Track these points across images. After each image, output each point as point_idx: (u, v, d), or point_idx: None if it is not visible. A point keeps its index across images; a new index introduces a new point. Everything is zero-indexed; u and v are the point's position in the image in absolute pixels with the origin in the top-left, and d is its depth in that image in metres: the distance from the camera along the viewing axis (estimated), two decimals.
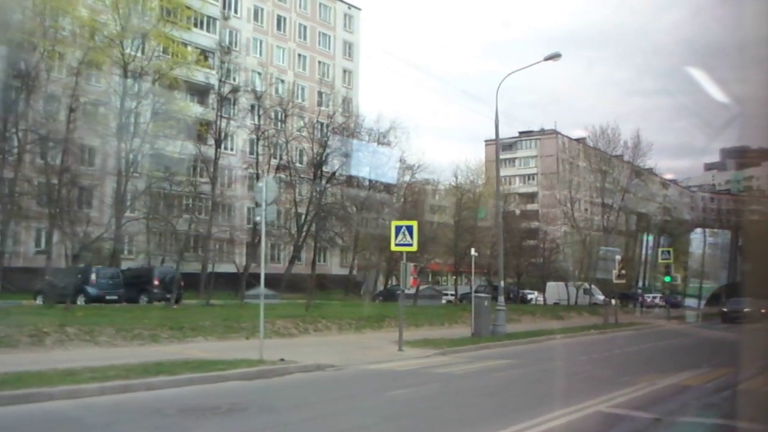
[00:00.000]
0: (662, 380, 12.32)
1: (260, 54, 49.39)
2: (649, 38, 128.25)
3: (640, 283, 70.76)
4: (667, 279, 37.61)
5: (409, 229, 17.82)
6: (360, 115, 45.88)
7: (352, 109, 54.25)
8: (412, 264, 18.00)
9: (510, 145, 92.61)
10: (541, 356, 17.86)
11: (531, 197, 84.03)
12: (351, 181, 45.90)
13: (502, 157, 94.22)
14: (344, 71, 55.70)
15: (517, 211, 50.71)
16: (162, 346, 16.26)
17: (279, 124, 43.90)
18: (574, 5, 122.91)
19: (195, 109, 38.60)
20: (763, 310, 33.80)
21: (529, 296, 54.27)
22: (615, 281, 30.74)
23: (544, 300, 49.98)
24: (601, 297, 51.57)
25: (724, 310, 35.91)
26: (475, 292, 39.36)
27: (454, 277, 63.73)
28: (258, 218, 15.27)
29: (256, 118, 43.63)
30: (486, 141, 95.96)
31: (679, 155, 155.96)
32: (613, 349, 19.74)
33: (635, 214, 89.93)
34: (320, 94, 50.32)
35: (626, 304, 57.41)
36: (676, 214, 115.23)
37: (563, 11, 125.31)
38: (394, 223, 18.46)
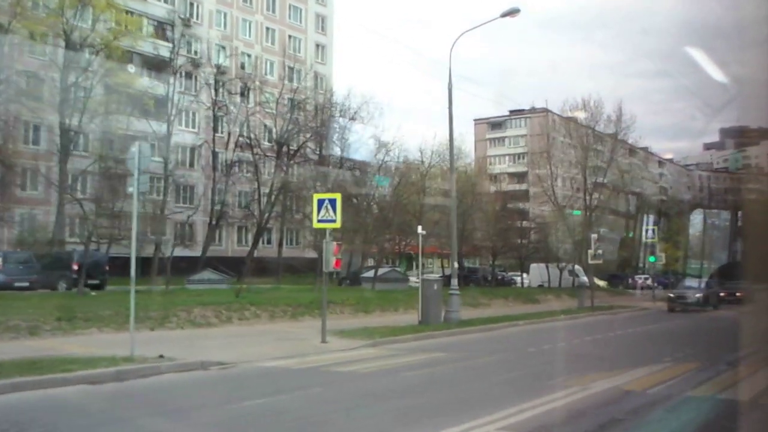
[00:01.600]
0: (603, 381, 10.01)
1: (224, 27, 46.60)
2: (648, 19, 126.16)
3: (641, 265, 68.89)
4: (652, 258, 35.23)
5: (332, 202, 15.48)
6: (331, 91, 43.15)
7: (325, 85, 51.70)
8: (334, 242, 15.60)
9: (499, 124, 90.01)
10: (484, 348, 15.54)
11: (521, 177, 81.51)
12: (324, 160, 43.41)
13: (490, 136, 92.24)
14: (317, 46, 52.95)
15: (493, 189, 48.09)
16: (38, 340, 14.02)
17: (243, 99, 41.51)
18: None
19: (144, 83, 36.01)
20: (740, 294, 31.02)
21: (516, 278, 52.00)
22: (590, 262, 28.35)
23: (522, 282, 47.66)
24: (585, 279, 49.61)
25: (670, 295, 30.43)
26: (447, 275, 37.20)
27: (440, 260, 61.90)
28: (131, 189, 12.87)
29: (216, 93, 41.32)
30: (475, 120, 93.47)
31: (678, 136, 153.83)
32: (573, 338, 17.38)
33: (628, 193, 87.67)
34: (290, 69, 47.68)
35: (617, 285, 55.18)
36: (673, 193, 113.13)
37: None
38: (316, 196, 16.16)
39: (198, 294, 22.95)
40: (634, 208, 44.76)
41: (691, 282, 32.98)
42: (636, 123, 44.25)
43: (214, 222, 38.98)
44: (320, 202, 15.60)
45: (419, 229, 20.55)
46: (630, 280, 60.68)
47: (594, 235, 28.40)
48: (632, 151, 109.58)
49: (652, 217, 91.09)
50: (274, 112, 39.65)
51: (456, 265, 21.14)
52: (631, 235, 79.47)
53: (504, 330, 20.15)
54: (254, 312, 19.60)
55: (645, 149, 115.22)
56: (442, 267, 46.33)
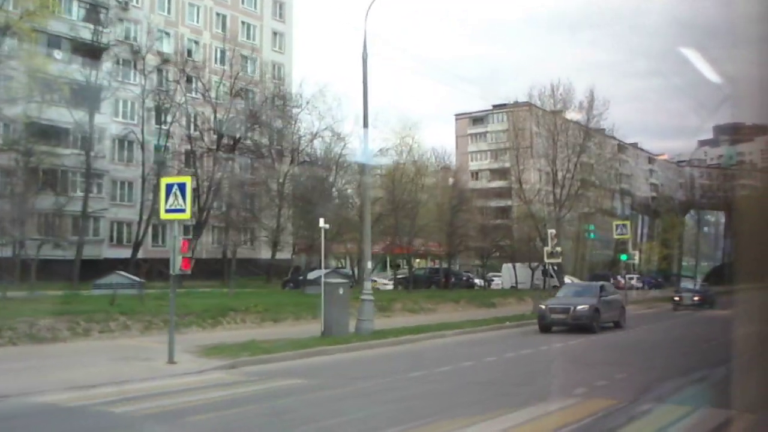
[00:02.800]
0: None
1: (168, 12, 43.34)
2: (640, 18, 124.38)
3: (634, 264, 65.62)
4: (623, 257, 32.06)
5: (182, 188, 12.40)
6: (282, 80, 40.10)
7: (283, 74, 48.67)
8: (181, 237, 12.52)
9: (481, 119, 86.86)
10: (367, 370, 12.47)
11: (503, 173, 78.41)
12: (277, 153, 40.29)
13: (472, 131, 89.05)
14: (274, 33, 49.67)
15: (451, 181, 44.73)
16: None
17: (188, 88, 38.40)
18: None
19: (66, 69, 32.87)
20: (697, 298, 28.38)
21: (477, 280, 48.86)
22: (547, 260, 25.25)
23: (485, 284, 44.58)
24: (564, 279, 46.45)
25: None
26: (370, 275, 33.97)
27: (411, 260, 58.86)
28: None
29: (159, 82, 38.27)
30: (456, 115, 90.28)
31: (674, 135, 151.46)
32: (494, 354, 14.30)
33: (613, 190, 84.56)
34: (243, 58, 44.61)
35: None
36: (664, 190, 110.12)
37: None
38: (163, 181, 13.01)
39: (81, 301, 19.85)
40: (623, 205, 41.12)
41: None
42: (600, 103, 40.65)
43: (144, 219, 35.72)
44: (168, 188, 12.54)
45: (321, 222, 17.38)
46: (613, 280, 57.72)
47: (551, 231, 25.24)
48: (621, 147, 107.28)
49: (639, 215, 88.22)
50: (217, 101, 36.51)
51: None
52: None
53: (423, 343, 16.99)
54: (123, 323, 16.45)
55: (634, 145, 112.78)
56: (410, 267, 43.20)
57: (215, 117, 36.33)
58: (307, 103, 38.58)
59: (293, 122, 39.29)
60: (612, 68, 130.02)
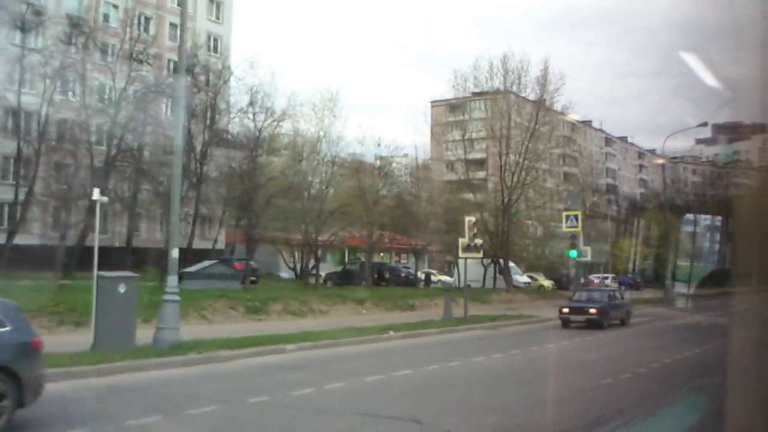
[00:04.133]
0: None
1: None
2: (644, 20, 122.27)
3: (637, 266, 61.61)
4: (572, 254, 27.38)
5: None
6: (198, 48, 35.43)
7: (220, 47, 44.06)
8: None
9: (458, 107, 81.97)
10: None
11: (480, 164, 73.73)
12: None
13: (450, 119, 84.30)
14: (211, 1, 44.81)
15: (407, 179, 39.74)
16: None
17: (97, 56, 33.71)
18: None
19: None
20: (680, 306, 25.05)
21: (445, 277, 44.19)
22: (462, 255, 20.65)
23: (427, 281, 40.01)
24: (522, 278, 41.93)
25: (564, 309, 21.29)
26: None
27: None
28: None
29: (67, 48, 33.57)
30: (433, 102, 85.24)
31: (675, 135, 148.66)
32: (304, 386, 9.81)
33: (594, 189, 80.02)
34: (173, 26, 40.00)
35: (567, 287, 47.43)
36: (653, 186, 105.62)
37: None
38: None
39: None
40: (573, 198, 36.25)
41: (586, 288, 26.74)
42: (556, 79, 36.00)
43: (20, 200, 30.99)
44: None
45: (96, 194, 12.74)
46: (583, 280, 53.09)
47: (470, 219, 20.62)
48: (609, 140, 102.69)
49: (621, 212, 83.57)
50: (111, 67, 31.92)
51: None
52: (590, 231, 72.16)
53: (242, 361, 12.52)
54: None
55: (623, 139, 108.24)
56: (317, 260, 38.02)
57: (114, 85, 31.62)
58: (229, 75, 33.98)
59: (212, 95, 34.69)
60: (613, 68, 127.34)
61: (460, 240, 20.49)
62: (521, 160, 35.70)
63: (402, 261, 59.35)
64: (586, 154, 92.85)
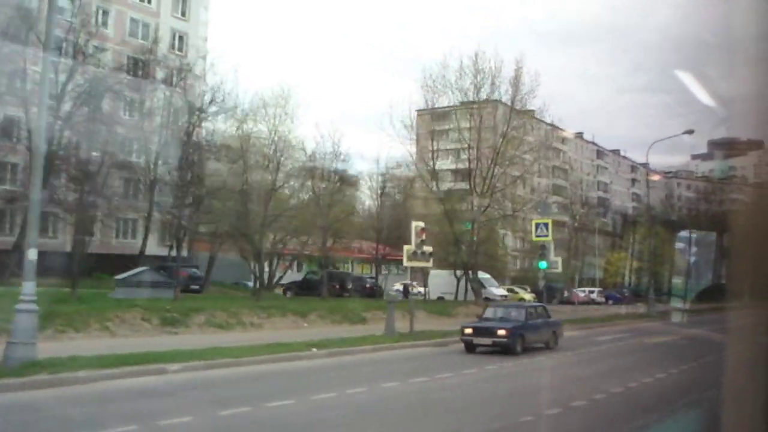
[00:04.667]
0: None
1: None
2: (639, 36, 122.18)
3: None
4: (542, 265, 25.29)
5: None
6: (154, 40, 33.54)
7: (185, 45, 42.15)
8: None
9: (443, 115, 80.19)
10: None
11: (467, 174, 71.83)
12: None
13: (435, 128, 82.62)
14: None
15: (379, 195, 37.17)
16: None
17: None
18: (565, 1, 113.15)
19: None
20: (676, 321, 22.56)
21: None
22: (406, 263, 18.53)
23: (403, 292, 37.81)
24: (498, 290, 39.85)
25: (467, 330, 16.99)
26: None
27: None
28: None
29: None
30: (418, 111, 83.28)
31: (671, 151, 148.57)
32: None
33: (581, 203, 78.02)
34: (133, 21, 38.18)
35: (551, 298, 45.29)
36: (645, 200, 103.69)
37: (554, 6, 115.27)
38: None
39: None
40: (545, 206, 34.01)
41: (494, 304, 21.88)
42: (540, 86, 34.02)
43: None
44: None
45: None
46: (566, 293, 51.03)
47: (417, 225, 18.53)
48: (600, 152, 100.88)
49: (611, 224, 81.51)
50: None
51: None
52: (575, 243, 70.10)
53: (102, 384, 10.45)
54: None
55: (616, 152, 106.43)
56: (260, 268, 35.68)
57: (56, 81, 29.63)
58: (186, 73, 32.08)
59: (168, 94, 32.74)
60: (608, 83, 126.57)
61: (406, 247, 18.38)
62: (491, 165, 33.76)
63: (384, 272, 57.51)
64: (576, 166, 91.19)
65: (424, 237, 18.42)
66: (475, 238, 31.74)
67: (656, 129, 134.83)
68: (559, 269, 26.96)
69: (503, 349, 16.32)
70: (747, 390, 3.31)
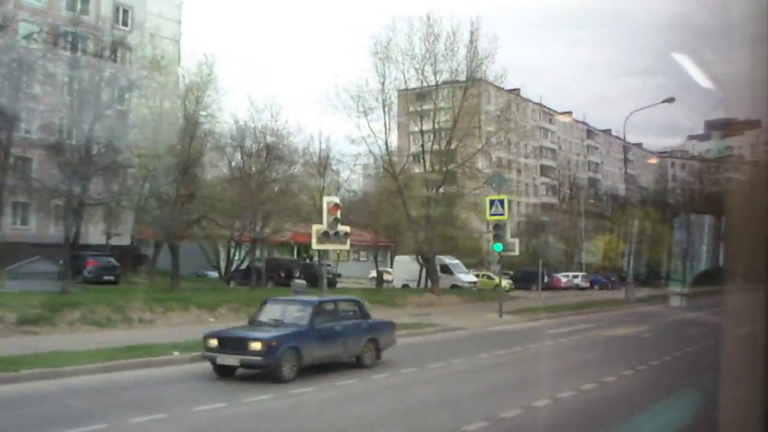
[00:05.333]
0: None
1: None
2: (635, 19, 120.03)
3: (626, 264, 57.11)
4: (497, 247, 22.54)
5: None
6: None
7: (131, 19, 39.28)
8: None
9: (424, 95, 77.25)
10: None
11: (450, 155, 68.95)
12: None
13: (415, 109, 79.82)
14: None
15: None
16: None
17: None
18: None
19: None
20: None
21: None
22: (317, 245, 15.78)
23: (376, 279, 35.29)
24: (467, 277, 37.15)
25: (211, 342, 10.86)
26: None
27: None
28: None
29: None
30: (399, 91, 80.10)
31: (667, 134, 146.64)
32: None
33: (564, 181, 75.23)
34: None
35: (529, 284, 42.56)
36: (638, 181, 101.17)
37: None
38: None
39: None
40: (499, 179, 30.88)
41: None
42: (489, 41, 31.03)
43: None
44: None
45: None
46: (546, 278, 48.23)
47: (329, 201, 15.75)
48: (591, 132, 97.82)
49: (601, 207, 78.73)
50: None
51: None
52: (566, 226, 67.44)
53: None
54: None
55: (607, 132, 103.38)
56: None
57: None
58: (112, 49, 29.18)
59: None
60: (608, 67, 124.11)
61: (315, 227, 15.61)
62: (447, 139, 31.07)
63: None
64: (565, 146, 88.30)
65: (338, 215, 15.64)
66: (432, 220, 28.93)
67: (652, 112, 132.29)
68: (516, 251, 24.14)
69: (264, 373, 10.34)
70: (744, 372, 3.26)
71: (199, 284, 31.09)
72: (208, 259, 37.87)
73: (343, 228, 16.04)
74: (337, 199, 16.17)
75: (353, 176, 41.69)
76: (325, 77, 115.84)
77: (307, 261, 46.22)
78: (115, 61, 34.93)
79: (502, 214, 22.45)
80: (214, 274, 38.92)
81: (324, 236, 15.52)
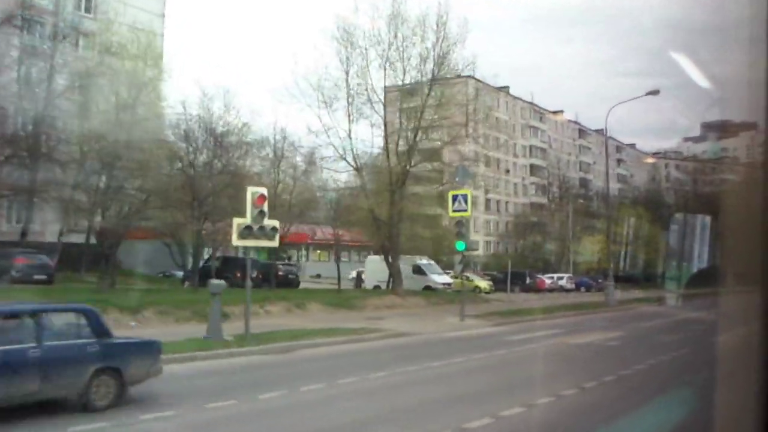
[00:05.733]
0: None
1: None
2: (632, 19, 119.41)
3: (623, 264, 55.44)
4: (459, 246, 20.87)
5: None
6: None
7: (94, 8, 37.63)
8: None
9: (411, 92, 75.57)
10: None
11: (438, 153, 67.20)
12: None
13: (404, 106, 78.16)
14: None
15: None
16: None
17: None
18: None
19: None
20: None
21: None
22: (238, 241, 14.11)
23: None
24: (441, 278, 35.43)
25: None
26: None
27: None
28: None
29: None
30: (387, 88, 78.24)
31: (664, 135, 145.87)
32: None
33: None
34: None
35: (515, 286, 40.94)
36: (632, 181, 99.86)
37: None
38: None
39: None
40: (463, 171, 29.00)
41: None
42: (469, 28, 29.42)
43: None
44: None
45: None
46: (529, 279, 46.68)
47: (255, 192, 14.06)
48: (583, 132, 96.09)
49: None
50: None
51: None
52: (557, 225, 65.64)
53: None
54: None
55: (600, 132, 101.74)
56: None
57: None
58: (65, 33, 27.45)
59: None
60: (602, 66, 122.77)
61: (236, 221, 13.89)
62: (413, 131, 29.47)
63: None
64: (556, 145, 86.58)
65: (264, 207, 13.91)
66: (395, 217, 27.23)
67: (649, 112, 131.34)
68: (479, 250, 22.58)
69: None
70: (740, 373, 3.27)
71: (154, 285, 29.41)
72: (173, 259, 36.11)
73: (270, 222, 14.34)
74: (263, 190, 14.40)
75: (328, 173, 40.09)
76: (285, 63, 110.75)
77: (287, 261, 44.59)
78: (76, 48, 33.46)
79: (465, 210, 20.79)
80: (181, 273, 37.24)
81: (247, 231, 13.81)
